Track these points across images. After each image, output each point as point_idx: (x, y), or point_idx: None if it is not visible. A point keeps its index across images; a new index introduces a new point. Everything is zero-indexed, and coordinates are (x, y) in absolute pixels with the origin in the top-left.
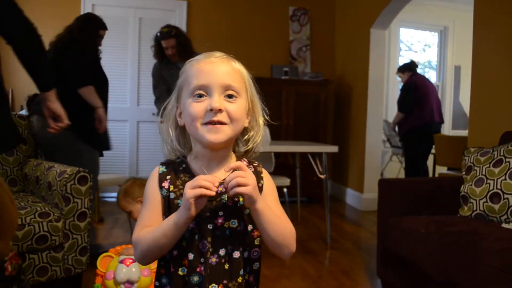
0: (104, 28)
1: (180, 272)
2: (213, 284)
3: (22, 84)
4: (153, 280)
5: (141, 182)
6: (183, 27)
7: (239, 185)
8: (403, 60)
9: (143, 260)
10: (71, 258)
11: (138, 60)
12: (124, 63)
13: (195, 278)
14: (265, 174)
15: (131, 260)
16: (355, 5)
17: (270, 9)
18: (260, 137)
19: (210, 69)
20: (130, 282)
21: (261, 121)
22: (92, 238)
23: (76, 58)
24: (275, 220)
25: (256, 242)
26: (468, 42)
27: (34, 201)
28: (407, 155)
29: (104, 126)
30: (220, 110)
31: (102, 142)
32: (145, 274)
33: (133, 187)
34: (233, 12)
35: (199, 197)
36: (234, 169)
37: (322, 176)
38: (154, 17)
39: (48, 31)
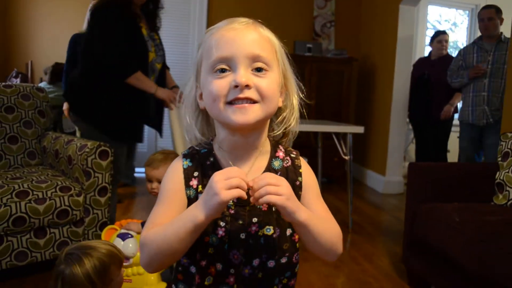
0: None
1: (206, 282)
2: None
3: (41, 56)
4: None
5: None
6: None
7: (269, 194)
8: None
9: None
10: (91, 233)
11: None
12: None
13: None
14: (304, 167)
15: (129, 236)
16: None
17: None
18: (294, 119)
19: (233, 37)
20: (125, 258)
21: (295, 100)
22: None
23: (102, 38)
24: (321, 229)
25: (297, 246)
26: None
27: (54, 175)
28: (442, 141)
29: (170, 104)
30: (247, 86)
31: (127, 134)
32: None
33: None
34: None
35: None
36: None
37: (346, 158)
38: None
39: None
